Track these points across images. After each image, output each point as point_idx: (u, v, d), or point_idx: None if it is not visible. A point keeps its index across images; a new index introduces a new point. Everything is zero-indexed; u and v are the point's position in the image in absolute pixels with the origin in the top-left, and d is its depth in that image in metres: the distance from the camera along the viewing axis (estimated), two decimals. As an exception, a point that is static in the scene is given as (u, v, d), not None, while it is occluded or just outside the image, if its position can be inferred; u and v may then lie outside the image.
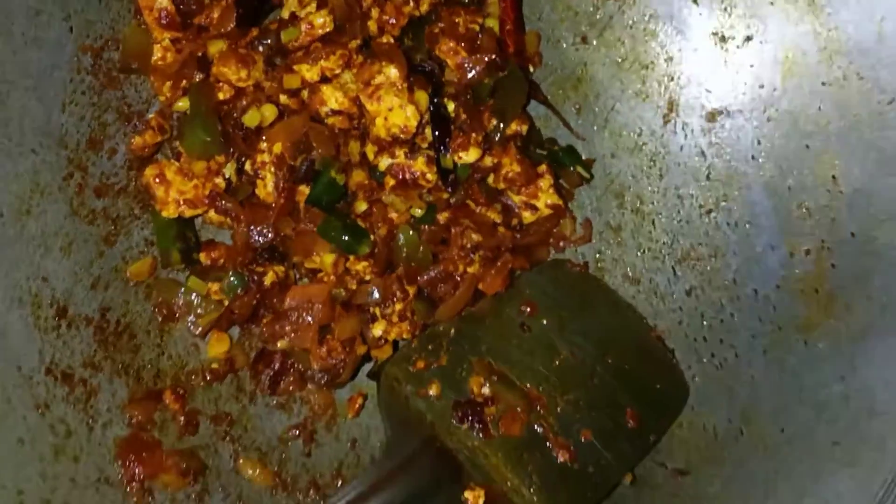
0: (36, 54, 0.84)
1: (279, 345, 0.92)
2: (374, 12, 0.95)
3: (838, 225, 0.96)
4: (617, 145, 1.07)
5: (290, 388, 0.94)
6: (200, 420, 0.93)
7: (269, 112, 0.91)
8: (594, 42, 1.06)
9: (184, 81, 0.90)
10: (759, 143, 1.02)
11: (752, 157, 1.02)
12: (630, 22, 1.05)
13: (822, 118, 0.97)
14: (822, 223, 0.97)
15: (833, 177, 0.96)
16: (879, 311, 0.92)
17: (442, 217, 0.98)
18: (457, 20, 0.99)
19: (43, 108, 0.85)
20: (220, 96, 0.90)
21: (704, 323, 1.02)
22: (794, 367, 0.95)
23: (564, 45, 1.07)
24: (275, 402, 0.95)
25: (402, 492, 0.86)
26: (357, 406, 0.97)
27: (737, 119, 1.03)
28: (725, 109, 1.03)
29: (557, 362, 0.97)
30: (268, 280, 0.92)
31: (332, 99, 0.92)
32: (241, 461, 0.94)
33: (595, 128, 1.07)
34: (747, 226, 1.02)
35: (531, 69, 1.06)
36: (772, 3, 0.98)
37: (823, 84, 0.97)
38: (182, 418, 0.92)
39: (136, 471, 0.87)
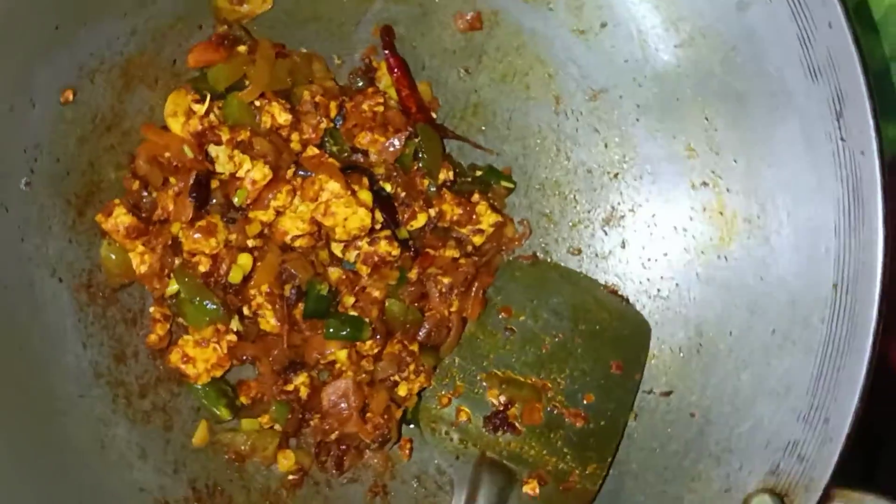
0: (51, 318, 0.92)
1: (331, 437, 1.08)
2: (294, 136, 1.05)
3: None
4: (524, 147, 1.22)
5: (353, 462, 1.11)
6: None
7: (246, 261, 1.02)
8: (476, 69, 1.18)
9: (166, 270, 0.99)
10: (637, 106, 1.18)
11: (637, 120, 1.19)
12: (499, 44, 1.17)
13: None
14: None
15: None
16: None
17: (412, 274, 1.13)
18: (363, 108, 1.09)
19: (75, 360, 0.94)
20: (201, 269, 1.00)
21: (644, 268, 1.22)
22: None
23: (452, 82, 1.18)
24: (345, 479, 1.12)
25: None
26: (408, 451, 1.15)
27: (613, 94, 1.19)
28: (602, 88, 1.19)
29: (545, 349, 1.17)
30: (303, 394, 1.06)
31: (294, 228, 1.03)
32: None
33: (501, 140, 1.21)
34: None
35: (433, 115, 1.17)
36: None
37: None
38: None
39: None
